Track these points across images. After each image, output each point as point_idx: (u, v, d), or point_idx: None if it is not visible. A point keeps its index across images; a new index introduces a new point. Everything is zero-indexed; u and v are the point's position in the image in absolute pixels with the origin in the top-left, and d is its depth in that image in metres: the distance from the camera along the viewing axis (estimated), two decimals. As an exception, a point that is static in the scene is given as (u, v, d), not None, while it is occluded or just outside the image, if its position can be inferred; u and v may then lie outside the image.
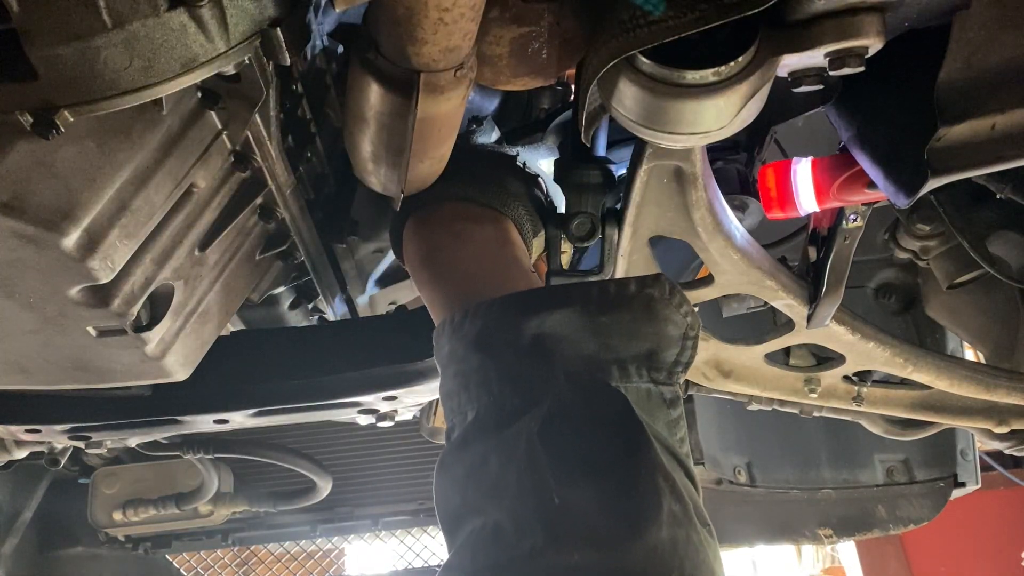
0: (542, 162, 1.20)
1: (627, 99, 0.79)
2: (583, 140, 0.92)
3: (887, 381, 1.41)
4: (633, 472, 0.69)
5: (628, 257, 1.08)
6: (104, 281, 0.84)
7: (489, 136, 1.22)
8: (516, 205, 1.03)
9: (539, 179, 1.13)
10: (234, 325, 1.47)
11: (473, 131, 1.19)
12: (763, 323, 1.32)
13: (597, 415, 0.72)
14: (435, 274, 0.94)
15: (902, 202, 0.83)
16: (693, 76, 0.74)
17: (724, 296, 1.19)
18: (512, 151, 1.15)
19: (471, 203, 1.01)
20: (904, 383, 1.39)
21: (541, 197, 1.10)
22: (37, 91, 0.66)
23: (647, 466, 0.70)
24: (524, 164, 1.13)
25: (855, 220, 1.05)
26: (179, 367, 1.05)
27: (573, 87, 1.17)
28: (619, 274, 1.11)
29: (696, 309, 1.21)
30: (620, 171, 1.13)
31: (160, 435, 1.49)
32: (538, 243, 1.10)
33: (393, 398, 1.31)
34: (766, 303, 1.18)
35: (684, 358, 0.79)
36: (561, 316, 0.76)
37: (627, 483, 0.68)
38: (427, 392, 1.33)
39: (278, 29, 0.77)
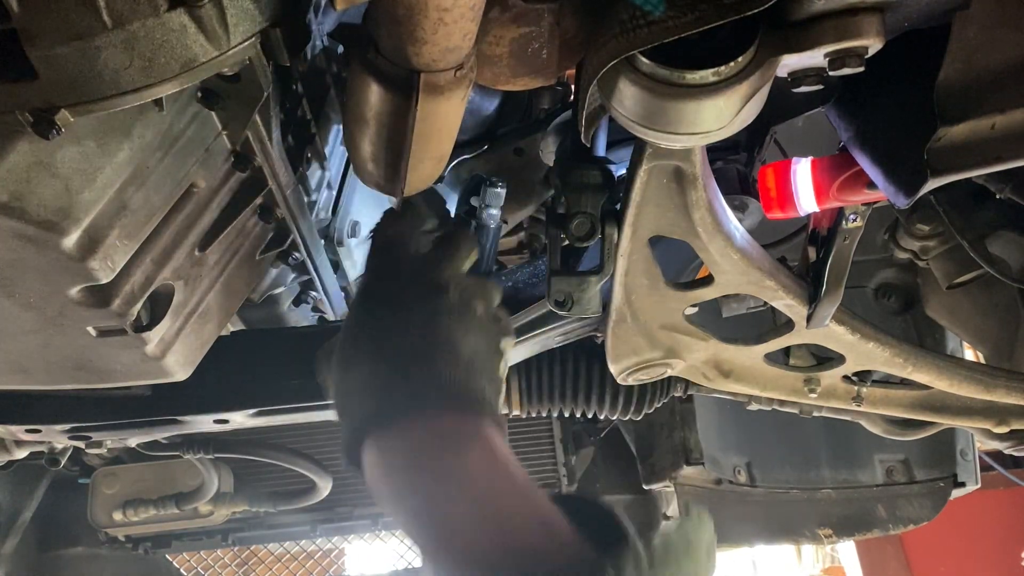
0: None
1: (627, 99, 0.79)
2: (583, 140, 0.92)
3: (887, 381, 1.41)
4: None
5: (628, 257, 1.08)
6: (104, 281, 0.84)
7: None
8: (491, 393, 0.83)
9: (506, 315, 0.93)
10: (234, 325, 1.47)
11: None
12: (763, 323, 1.32)
13: None
14: (413, 515, 0.76)
15: (902, 202, 0.83)
16: (693, 76, 0.74)
17: (724, 296, 1.18)
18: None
19: (443, 413, 0.79)
20: (904, 383, 1.39)
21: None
22: (37, 91, 0.66)
23: None
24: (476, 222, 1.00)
25: (855, 220, 1.05)
26: (179, 367, 1.05)
27: (573, 87, 1.17)
28: (619, 274, 1.11)
29: (696, 310, 1.22)
30: (620, 171, 1.13)
31: (160, 435, 1.49)
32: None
33: (393, 398, 1.31)
34: (766, 303, 1.18)
35: None
36: None
37: None
38: (427, 392, 1.33)
39: (278, 29, 0.77)
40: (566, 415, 1.55)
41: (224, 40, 0.72)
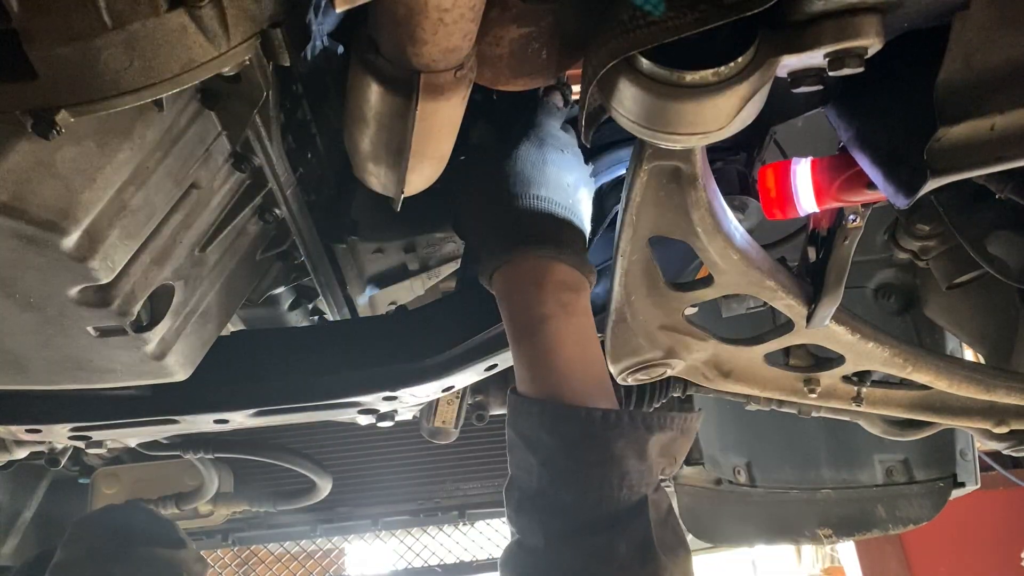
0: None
1: (627, 99, 0.79)
2: (583, 140, 0.92)
3: (886, 381, 1.41)
4: None
5: (628, 257, 1.08)
6: (104, 281, 0.84)
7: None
8: (592, 267, 1.09)
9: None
10: (234, 325, 1.47)
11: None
12: (763, 323, 1.32)
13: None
14: (541, 347, 1.02)
15: (902, 202, 0.83)
16: (692, 77, 0.74)
17: (724, 296, 1.18)
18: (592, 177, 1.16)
19: (574, 270, 1.06)
20: (903, 383, 1.39)
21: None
22: (37, 91, 0.66)
23: None
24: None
25: (855, 220, 1.04)
26: (179, 367, 1.05)
27: (573, 87, 1.17)
28: (619, 274, 1.11)
29: (696, 310, 1.22)
30: (620, 171, 1.13)
31: (160, 435, 1.49)
32: None
33: (393, 398, 1.31)
34: (766, 303, 1.18)
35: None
36: (629, 440, 0.95)
37: None
38: (427, 392, 1.33)
39: (278, 30, 0.77)
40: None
41: (224, 40, 0.72)
